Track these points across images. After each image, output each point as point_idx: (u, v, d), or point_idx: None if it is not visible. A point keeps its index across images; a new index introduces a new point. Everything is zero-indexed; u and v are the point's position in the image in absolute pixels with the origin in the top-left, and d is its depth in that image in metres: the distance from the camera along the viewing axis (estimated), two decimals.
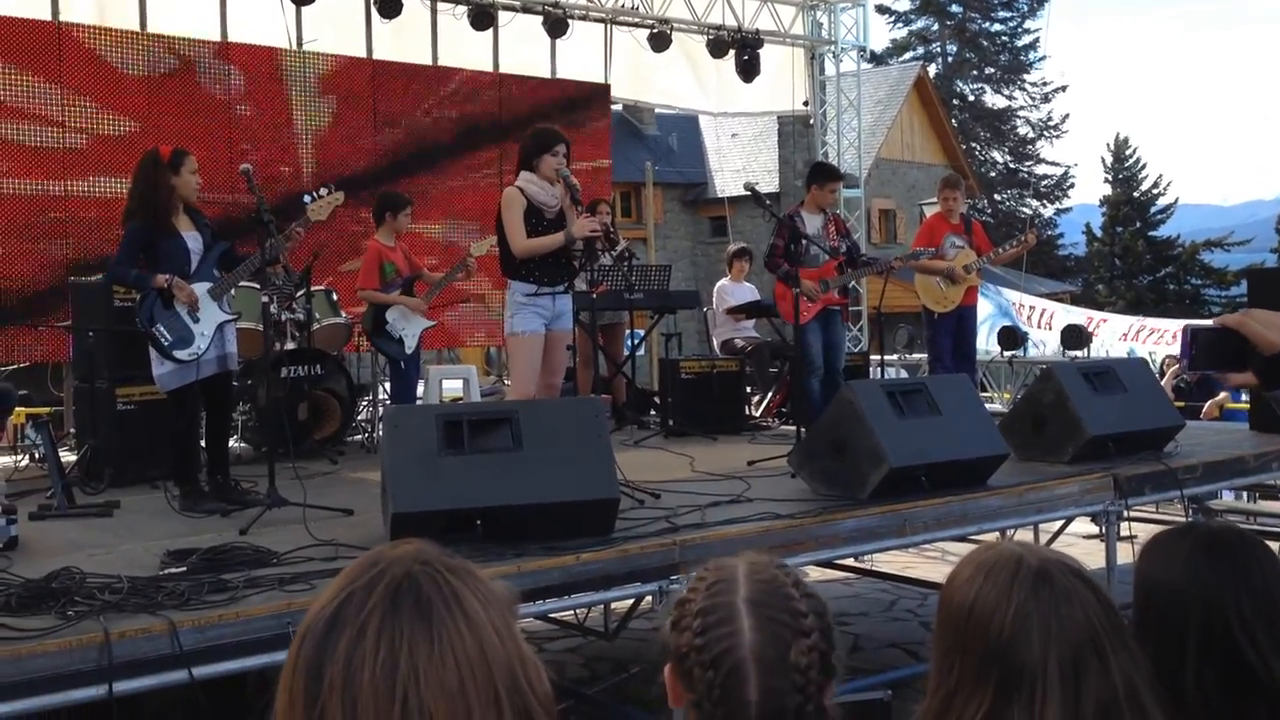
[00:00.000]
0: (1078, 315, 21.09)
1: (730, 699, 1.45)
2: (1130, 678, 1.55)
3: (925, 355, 9.95)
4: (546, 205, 6.01)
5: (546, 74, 11.40)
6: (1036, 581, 1.57)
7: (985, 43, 43.48)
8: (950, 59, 43.26)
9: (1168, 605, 1.89)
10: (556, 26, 11.05)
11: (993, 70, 43.47)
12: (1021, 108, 43.51)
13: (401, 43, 10.53)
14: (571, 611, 5.26)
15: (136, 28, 9.20)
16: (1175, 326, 20.67)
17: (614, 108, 13.23)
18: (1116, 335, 20.39)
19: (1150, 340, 20.09)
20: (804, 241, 7.34)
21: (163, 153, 5.46)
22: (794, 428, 7.24)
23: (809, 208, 7.86)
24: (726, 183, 28.65)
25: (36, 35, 8.62)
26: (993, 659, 1.54)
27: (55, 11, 8.85)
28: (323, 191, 5.81)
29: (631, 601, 4.78)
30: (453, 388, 10.46)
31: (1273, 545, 2.07)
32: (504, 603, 1.21)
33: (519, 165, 6.17)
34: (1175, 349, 17.48)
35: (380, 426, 7.51)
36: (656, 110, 27.43)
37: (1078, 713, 1.51)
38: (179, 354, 5.36)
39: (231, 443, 6.22)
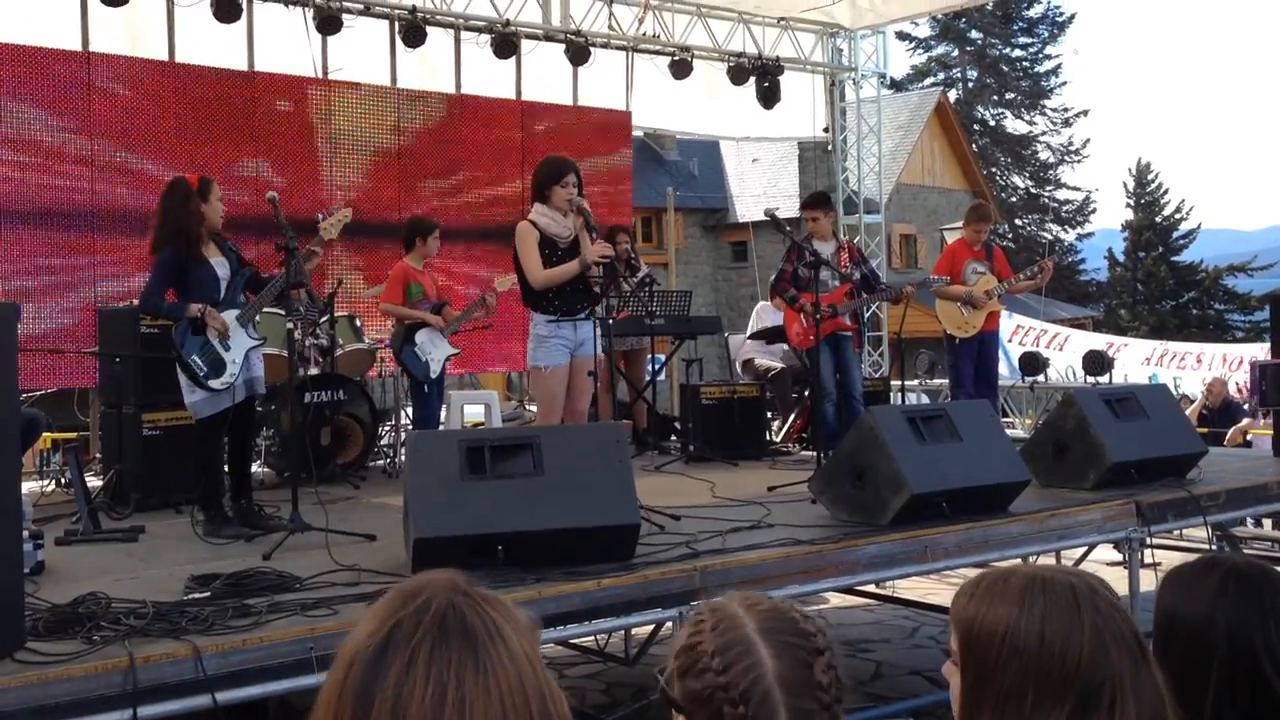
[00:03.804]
0: (1096, 340, 20.90)
1: None
2: (1159, 678, 1.59)
3: (946, 381, 9.93)
4: (559, 236, 6.05)
5: (568, 102, 11.48)
6: (1093, 597, 1.59)
7: (1006, 68, 43.48)
8: (970, 84, 43.27)
9: (1191, 638, 1.90)
10: (579, 55, 11.13)
11: (1013, 95, 43.46)
12: (1042, 133, 43.48)
13: (425, 71, 10.64)
14: (592, 637, 5.26)
15: (165, 57, 9.32)
16: (1198, 350, 20.48)
17: (635, 134, 13.29)
18: (1139, 360, 20.18)
19: (1174, 365, 19.88)
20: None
21: (191, 181, 5.54)
22: (814, 453, 7.23)
23: (815, 237, 7.88)
24: (747, 208, 28.64)
25: (66, 65, 8.72)
26: (1071, 679, 1.55)
27: (85, 42, 8.97)
28: (333, 209, 5.91)
29: (652, 627, 4.78)
30: (474, 413, 10.50)
31: None
32: (531, 631, 1.26)
33: (532, 197, 6.24)
34: (1202, 373, 17.35)
35: (402, 452, 7.55)
36: (678, 136, 27.52)
37: (1141, 714, 1.53)
38: (213, 383, 5.40)
39: (254, 468, 6.25)
